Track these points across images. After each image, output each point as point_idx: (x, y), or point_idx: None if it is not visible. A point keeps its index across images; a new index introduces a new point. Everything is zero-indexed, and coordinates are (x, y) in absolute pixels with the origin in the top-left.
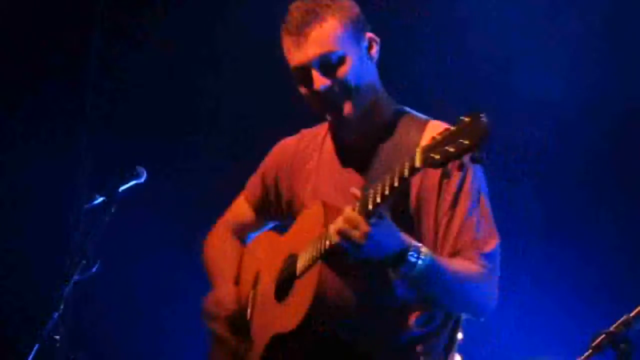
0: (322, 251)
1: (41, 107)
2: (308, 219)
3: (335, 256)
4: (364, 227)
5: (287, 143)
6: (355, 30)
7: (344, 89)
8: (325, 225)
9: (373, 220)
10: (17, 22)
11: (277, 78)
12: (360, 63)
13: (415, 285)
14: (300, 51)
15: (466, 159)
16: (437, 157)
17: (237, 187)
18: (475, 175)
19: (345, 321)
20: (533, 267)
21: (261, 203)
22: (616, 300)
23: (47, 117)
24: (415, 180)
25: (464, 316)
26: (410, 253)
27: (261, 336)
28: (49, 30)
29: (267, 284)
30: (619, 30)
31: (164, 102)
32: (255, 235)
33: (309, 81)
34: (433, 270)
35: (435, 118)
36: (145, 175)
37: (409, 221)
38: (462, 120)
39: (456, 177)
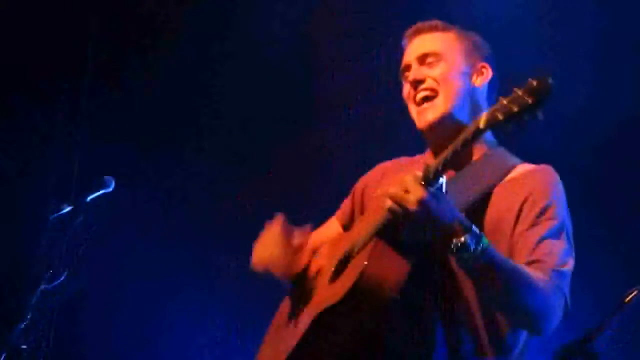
0: (379, 225)
1: (14, 115)
2: (372, 212)
3: (390, 233)
4: (418, 191)
5: (383, 164)
6: (468, 49)
7: (431, 86)
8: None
9: (431, 189)
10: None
11: (270, 90)
12: (457, 73)
13: (471, 270)
14: (410, 49)
15: (527, 117)
16: (500, 116)
17: (221, 195)
18: (562, 206)
19: (380, 307)
20: None
21: (348, 219)
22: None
23: (19, 124)
24: (495, 200)
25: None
26: (469, 234)
27: (308, 315)
28: (44, 38)
29: (328, 269)
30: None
31: (143, 109)
32: None
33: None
34: (491, 258)
35: None
36: (113, 184)
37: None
38: (529, 82)
39: (540, 202)
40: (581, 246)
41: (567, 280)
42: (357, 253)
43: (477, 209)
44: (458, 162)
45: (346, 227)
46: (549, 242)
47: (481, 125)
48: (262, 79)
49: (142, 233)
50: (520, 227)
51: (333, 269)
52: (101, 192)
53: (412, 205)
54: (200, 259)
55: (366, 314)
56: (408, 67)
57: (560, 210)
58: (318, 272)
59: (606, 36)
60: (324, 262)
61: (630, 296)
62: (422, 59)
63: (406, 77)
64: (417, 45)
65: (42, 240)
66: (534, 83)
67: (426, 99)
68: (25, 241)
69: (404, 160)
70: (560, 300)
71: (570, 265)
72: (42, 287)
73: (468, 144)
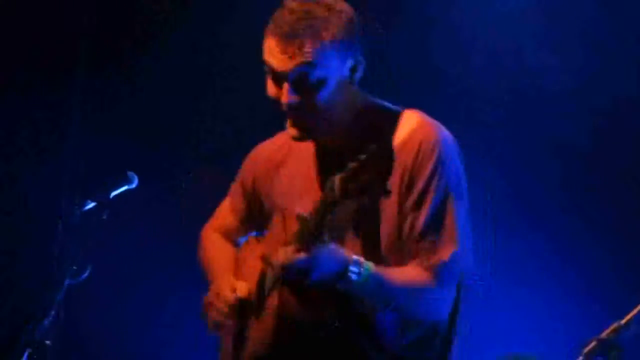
0: (277, 278)
1: (29, 112)
2: (275, 230)
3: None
4: (303, 257)
5: (262, 148)
6: (345, 49)
7: (311, 109)
8: (284, 243)
9: (314, 247)
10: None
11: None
12: (337, 85)
13: (357, 295)
14: (280, 57)
15: (379, 188)
16: (354, 187)
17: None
18: (446, 169)
19: (309, 345)
20: (517, 263)
21: (244, 211)
22: (602, 299)
23: (35, 121)
24: (401, 160)
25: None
26: (350, 268)
27: (247, 351)
28: (35, 33)
29: (251, 295)
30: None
31: (155, 106)
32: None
33: (279, 89)
34: (374, 282)
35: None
36: (136, 180)
37: (394, 200)
38: (372, 147)
39: (427, 169)
40: (605, 240)
41: (452, 265)
42: (268, 295)
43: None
44: (336, 131)
45: (243, 220)
46: (433, 226)
47: (337, 196)
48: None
49: (153, 228)
50: (407, 206)
51: (256, 297)
52: (125, 188)
53: (301, 272)
54: None
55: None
56: (274, 74)
57: (444, 176)
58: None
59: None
60: (247, 277)
61: None
62: (295, 78)
63: (271, 78)
64: (285, 54)
65: (66, 237)
66: (378, 149)
67: (300, 119)
68: (47, 238)
69: (280, 137)
70: (444, 293)
71: (459, 241)
72: (67, 282)
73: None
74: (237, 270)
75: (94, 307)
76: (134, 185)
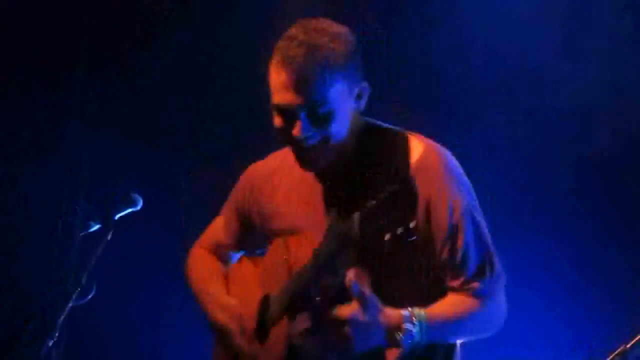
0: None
1: (29, 112)
2: (274, 257)
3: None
4: (346, 332)
5: (256, 168)
6: (350, 80)
7: (321, 141)
8: (289, 271)
9: (352, 328)
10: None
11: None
12: (346, 115)
13: (420, 345)
14: (288, 92)
15: (399, 230)
16: (374, 228)
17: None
18: (463, 192)
19: None
20: (517, 263)
21: (237, 231)
22: (605, 300)
23: (35, 121)
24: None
25: None
26: (405, 327)
27: None
28: (35, 33)
29: (250, 321)
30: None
31: (155, 106)
32: (236, 257)
33: (288, 122)
34: (432, 327)
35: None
36: (141, 202)
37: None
38: (391, 187)
39: (446, 199)
40: (608, 240)
41: (492, 281)
42: (274, 322)
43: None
44: (337, 158)
45: (236, 240)
46: (467, 255)
47: (355, 235)
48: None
49: (155, 233)
50: (438, 244)
51: (256, 322)
52: (129, 210)
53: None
54: None
55: None
56: (286, 110)
57: (464, 200)
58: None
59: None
60: (241, 302)
61: None
62: (307, 112)
63: (279, 114)
64: (296, 89)
65: (70, 258)
66: (398, 191)
67: (311, 148)
68: (47, 238)
69: (274, 157)
70: (495, 307)
71: (492, 267)
72: (71, 303)
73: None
74: (228, 290)
75: (94, 318)
76: (138, 207)
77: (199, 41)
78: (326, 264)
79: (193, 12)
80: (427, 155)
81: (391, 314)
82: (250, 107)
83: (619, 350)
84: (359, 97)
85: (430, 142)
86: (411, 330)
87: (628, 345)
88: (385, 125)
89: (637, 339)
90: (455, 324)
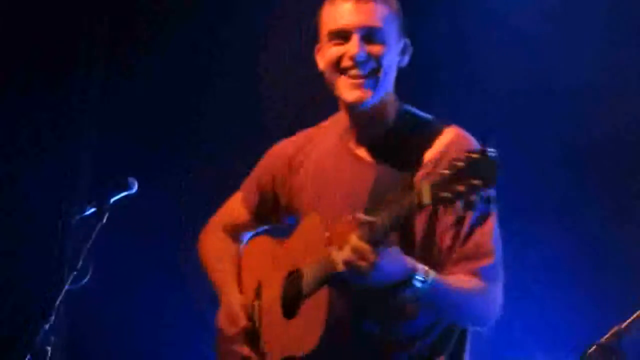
0: (328, 275)
1: (35, 115)
2: (308, 232)
3: (343, 280)
4: (371, 257)
5: (284, 144)
6: (399, 28)
7: (374, 68)
8: (327, 244)
9: (380, 249)
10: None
11: (273, 88)
12: (393, 57)
13: (419, 303)
14: (350, 15)
15: (475, 197)
16: (447, 194)
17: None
18: None
19: (357, 341)
20: (518, 265)
21: (257, 206)
22: (604, 300)
23: (35, 121)
24: None
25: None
26: (416, 276)
27: (272, 354)
28: (35, 33)
29: (272, 298)
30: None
31: (156, 106)
32: (249, 236)
33: (342, 47)
34: (437, 290)
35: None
36: (136, 186)
37: (418, 231)
38: (470, 156)
39: None
40: (602, 245)
41: (497, 267)
42: (310, 295)
43: None
44: (377, 135)
45: (256, 214)
46: (476, 234)
47: (426, 201)
48: (277, 72)
49: (144, 232)
50: (450, 217)
51: (281, 298)
52: (124, 193)
53: (367, 271)
54: None
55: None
56: (343, 35)
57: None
58: (257, 289)
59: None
60: (261, 277)
61: None
62: (365, 33)
63: (337, 43)
64: (360, 12)
65: (66, 241)
66: (477, 159)
67: (366, 74)
68: (47, 238)
69: (303, 135)
70: (495, 294)
71: (497, 249)
72: (66, 287)
73: (410, 217)
74: (243, 267)
75: (94, 309)
76: (133, 191)
77: (199, 41)
78: (375, 232)
79: (193, 12)
80: (459, 138)
81: (409, 265)
82: (250, 106)
83: (613, 330)
84: (403, 52)
85: (466, 134)
86: (419, 281)
87: (623, 326)
88: (422, 114)
89: (631, 319)
90: (456, 295)
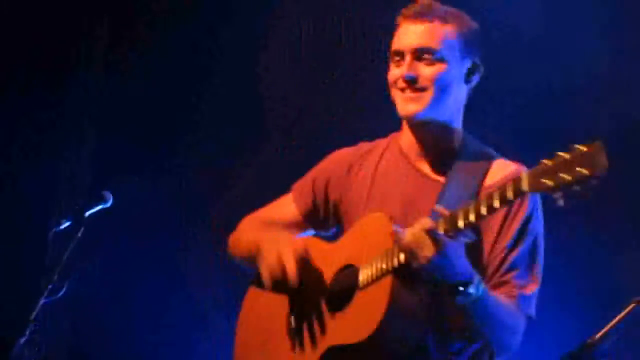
0: (393, 265)
1: (20, 125)
2: (369, 229)
3: (407, 271)
4: (431, 250)
5: (345, 152)
6: (466, 47)
7: (424, 86)
8: (394, 238)
9: (446, 238)
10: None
11: (273, 88)
12: (453, 76)
13: (464, 311)
14: (407, 35)
15: (577, 188)
16: (549, 182)
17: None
18: (538, 218)
19: (409, 339)
20: None
21: (309, 207)
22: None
23: (35, 121)
24: None
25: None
26: (474, 281)
27: (313, 346)
28: (35, 33)
29: (317, 292)
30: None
31: (155, 107)
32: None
33: (399, 68)
34: (484, 302)
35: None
36: (111, 199)
37: (480, 249)
38: (577, 147)
39: (521, 214)
40: (585, 252)
41: (533, 300)
42: (367, 286)
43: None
44: (441, 153)
45: (306, 215)
46: (521, 263)
47: (525, 188)
48: (271, 70)
49: (144, 232)
50: (502, 242)
51: (327, 293)
52: (99, 207)
53: (423, 262)
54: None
55: (380, 350)
56: (400, 55)
57: (536, 222)
58: (306, 283)
59: None
60: (308, 272)
61: (634, 303)
62: (418, 53)
63: (396, 63)
64: (415, 33)
65: (43, 254)
66: (588, 151)
67: (414, 88)
68: (26, 255)
69: (364, 147)
70: (523, 325)
71: (535, 286)
72: (43, 301)
73: (506, 204)
74: None
75: (89, 315)
76: (108, 204)
77: (199, 41)
78: (454, 224)
79: (193, 12)
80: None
81: (469, 270)
82: (249, 108)
83: (586, 341)
84: (470, 71)
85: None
86: (472, 292)
87: (596, 337)
88: (483, 145)
89: (604, 330)
90: (497, 313)
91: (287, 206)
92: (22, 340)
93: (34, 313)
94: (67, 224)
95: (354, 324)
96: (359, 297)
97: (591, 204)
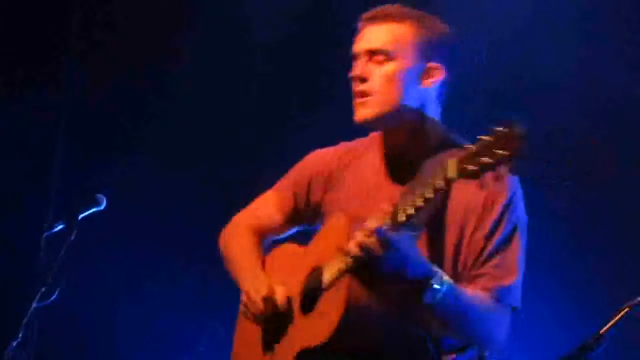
0: (349, 264)
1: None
2: (332, 231)
3: (364, 269)
4: (382, 238)
5: (325, 152)
6: (425, 48)
7: (372, 89)
8: (350, 238)
9: (397, 232)
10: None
11: (255, 95)
12: (405, 76)
13: (433, 309)
14: (362, 38)
15: (503, 169)
16: (474, 167)
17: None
18: (517, 206)
19: (372, 336)
20: None
21: (290, 208)
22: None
23: (16, 138)
24: (457, 194)
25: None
26: (437, 277)
27: (287, 350)
28: (34, 32)
29: (292, 298)
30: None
31: (159, 115)
32: (273, 238)
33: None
34: (451, 297)
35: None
36: (105, 202)
37: (438, 232)
38: (496, 130)
39: (499, 204)
40: (577, 254)
41: (516, 291)
42: (330, 287)
43: (439, 201)
44: (416, 150)
45: (288, 215)
46: (500, 254)
47: (452, 175)
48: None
49: (135, 240)
50: (480, 233)
51: (300, 297)
52: (93, 210)
53: (375, 260)
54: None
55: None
56: (356, 58)
57: (515, 210)
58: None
59: None
60: (283, 279)
61: (627, 308)
62: (371, 55)
63: (353, 67)
64: (369, 36)
65: (36, 258)
66: (506, 132)
67: (362, 94)
68: (19, 258)
69: (344, 146)
70: (506, 318)
71: (517, 272)
72: (35, 305)
73: (441, 192)
74: (266, 270)
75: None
76: (102, 207)
77: (194, 41)
78: (398, 218)
79: (192, 13)
80: None
81: (428, 267)
82: (246, 108)
83: (583, 344)
84: (427, 74)
85: None
86: (437, 288)
87: (592, 340)
88: (463, 140)
89: (601, 331)
90: (466, 307)
91: (270, 209)
92: (15, 343)
93: (26, 318)
94: (61, 227)
95: (316, 326)
96: (324, 298)
97: (583, 208)
